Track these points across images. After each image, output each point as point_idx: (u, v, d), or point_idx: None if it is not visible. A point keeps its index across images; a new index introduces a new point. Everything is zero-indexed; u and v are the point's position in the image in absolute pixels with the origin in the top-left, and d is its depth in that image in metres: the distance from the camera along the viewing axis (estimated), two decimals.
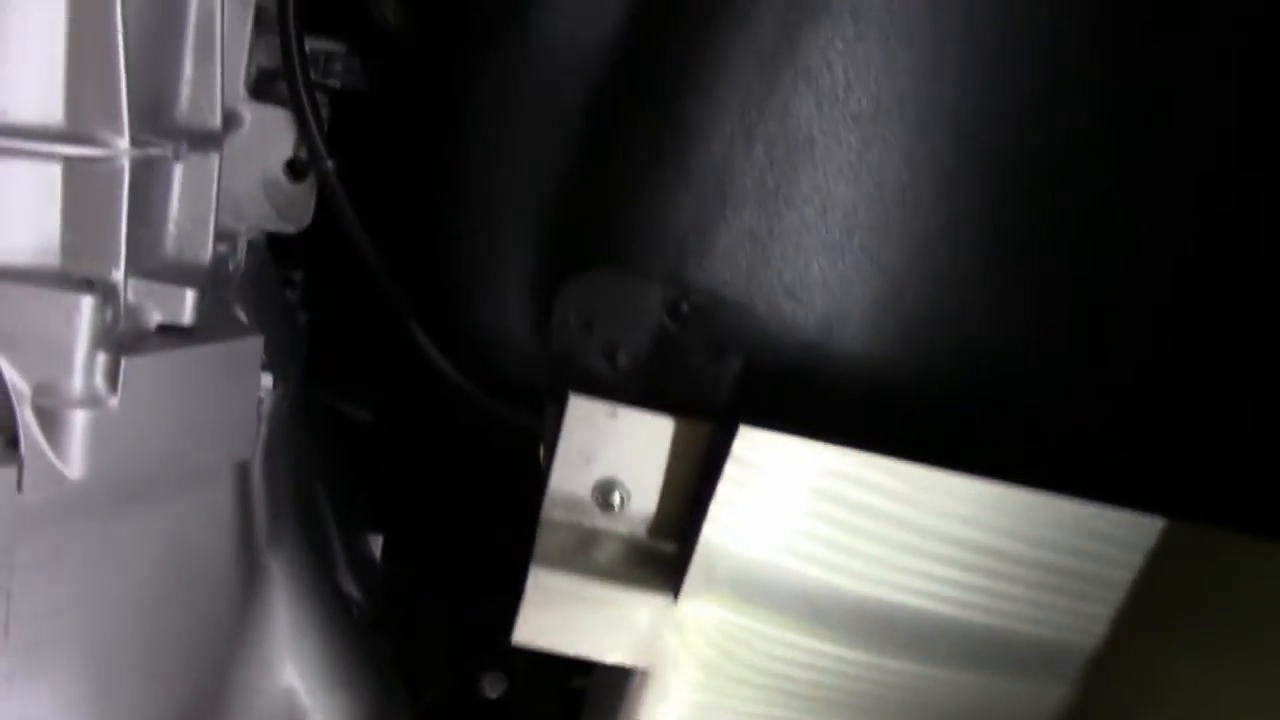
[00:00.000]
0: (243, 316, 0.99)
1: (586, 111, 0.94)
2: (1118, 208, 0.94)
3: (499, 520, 1.49)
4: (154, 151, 0.84)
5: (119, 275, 0.84)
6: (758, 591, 0.92)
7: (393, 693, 1.20)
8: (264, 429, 1.03)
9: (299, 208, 1.06)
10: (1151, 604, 0.96)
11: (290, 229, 1.06)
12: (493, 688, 1.40)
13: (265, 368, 1.00)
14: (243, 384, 0.97)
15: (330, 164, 1.01)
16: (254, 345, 0.96)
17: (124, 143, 0.81)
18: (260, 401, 1.01)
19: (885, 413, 0.96)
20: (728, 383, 0.91)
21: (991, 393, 0.97)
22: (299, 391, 1.15)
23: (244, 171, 1.03)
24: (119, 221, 0.83)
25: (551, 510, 0.93)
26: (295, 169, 1.05)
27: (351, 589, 1.36)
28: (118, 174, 0.81)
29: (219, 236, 0.96)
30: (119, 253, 0.84)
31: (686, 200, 0.90)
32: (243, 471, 1.02)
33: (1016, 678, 0.98)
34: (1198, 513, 0.93)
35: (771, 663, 0.96)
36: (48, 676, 0.93)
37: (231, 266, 1.03)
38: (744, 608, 0.93)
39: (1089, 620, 0.96)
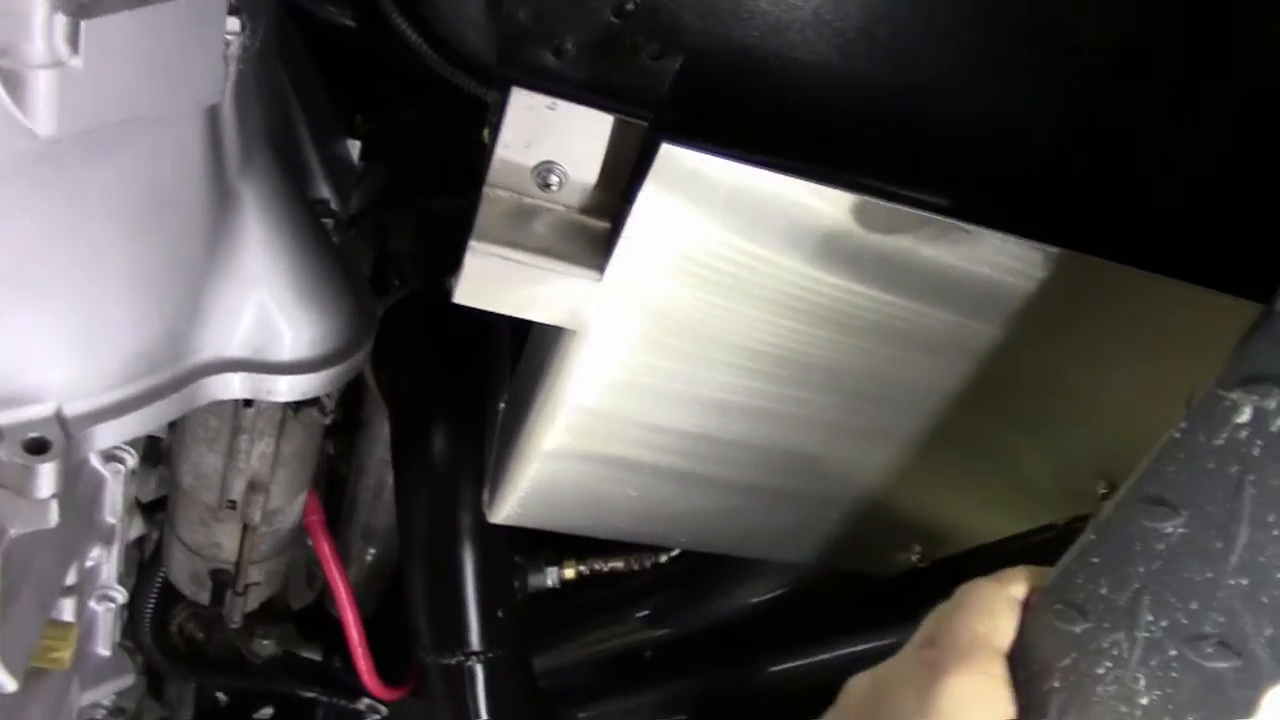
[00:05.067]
0: None
1: None
2: None
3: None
4: None
5: None
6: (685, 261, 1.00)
7: (364, 304, 1.28)
8: (232, 70, 1.06)
9: None
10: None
11: None
12: None
13: (232, 11, 1.03)
14: (206, 33, 0.99)
15: None
16: None
17: None
18: (227, 45, 1.04)
19: (815, 118, 1.00)
20: (667, 79, 0.95)
21: (920, 108, 1.01)
22: (272, 19, 1.17)
23: None
24: None
25: (493, 186, 0.99)
26: None
27: (327, 194, 1.43)
28: None
29: None
30: None
31: None
32: (213, 112, 1.06)
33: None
34: (1100, 246, 1.00)
35: (703, 327, 1.05)
36: (32, 310, 1.02)
37: None
38: (673, 278, 1.01)
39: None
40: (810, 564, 1.49)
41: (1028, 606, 0.88)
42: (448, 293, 1.25)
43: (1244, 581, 0.68)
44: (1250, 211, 1.07)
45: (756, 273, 1.00)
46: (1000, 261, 1.01)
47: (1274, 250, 1.04)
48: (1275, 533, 0.66)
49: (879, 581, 1.42)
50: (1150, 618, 0.74)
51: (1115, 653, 0.76)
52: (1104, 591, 0.78)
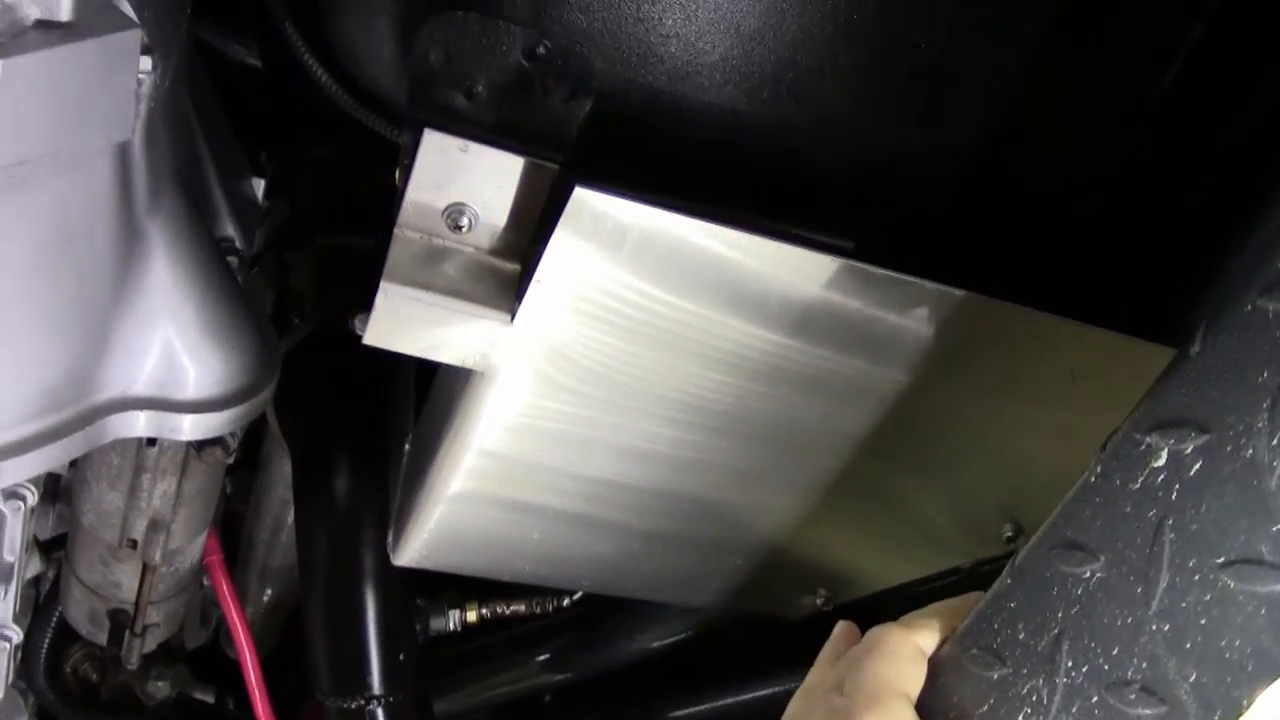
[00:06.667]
0: (122, 3, 1.01)
1: None
2: None
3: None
4: None
5: None
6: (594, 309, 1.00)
7: (268, 342, 1.27)
8: (143, 109, 1.06)
9: None
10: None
11: None
12: (362, 325, 1.47)
13: (145, 51, 1.03)
14: (121, 73, 0.99)
15: None
16: (133, 37, 0.98)
17: None
18: (140, 84, 1.04)
19: (722, 161, 1.02)
20: (578, 122, 0.96)
21: (825, 151, 1.03)
22: (182, 56, 1.17)
23: None
24: None
25: (403, 228, 1.00)
26: None
27: (232, 232, 1.42)
28: None
29: None
30: None
31: None
32: (122, 150, 1.06)
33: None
34: (1003, 289, 1.02)
35: (608, 372, 1.05)
36: None
37: None
38: (581, 322, 1.01)
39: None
40: (714, 607, 1.50)
41: (940, 652, 0.88)
42: (349, 332, 1.26)
43: (1166, 627, 0.68)
44: (1158, 254, 1.09)
45: (662, 318, 1.01)
46: (904, 305, 1.02)
47: (1183, 295, 1.07)
48: (1197, 577, 0.66)
49: (784, 625, 1.43)
50: (1070, 663, 0.74)
51: (1034, 699, 0.76)
52: (1021, 637, 0.78)
